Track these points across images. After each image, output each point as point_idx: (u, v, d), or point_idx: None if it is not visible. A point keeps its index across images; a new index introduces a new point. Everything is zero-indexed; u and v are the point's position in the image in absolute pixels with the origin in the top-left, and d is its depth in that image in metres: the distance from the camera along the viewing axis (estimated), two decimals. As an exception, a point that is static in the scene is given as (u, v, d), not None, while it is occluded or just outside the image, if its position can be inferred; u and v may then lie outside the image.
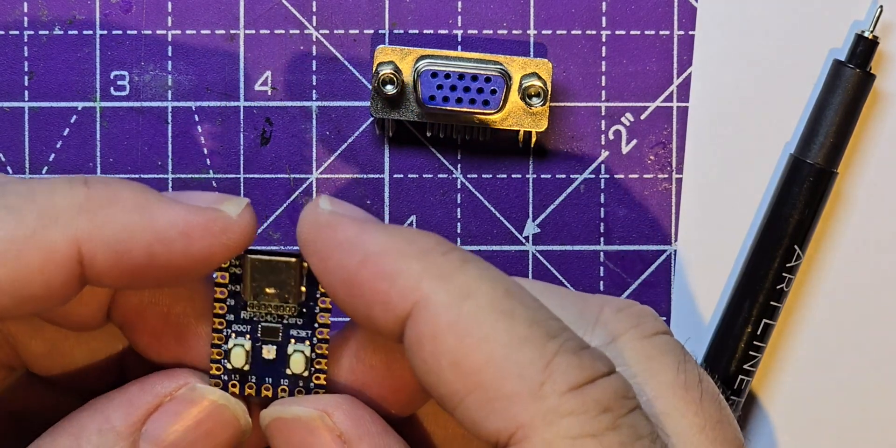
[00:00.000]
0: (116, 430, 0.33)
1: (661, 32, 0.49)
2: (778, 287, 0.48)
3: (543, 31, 0.49)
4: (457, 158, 0.49)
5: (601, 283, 0.49)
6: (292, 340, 0.33)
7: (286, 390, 0.34)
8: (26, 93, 0.49)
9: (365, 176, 0.49)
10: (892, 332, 0.49)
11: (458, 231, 0.49)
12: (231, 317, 0.33)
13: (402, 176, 0.49)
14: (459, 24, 0.49)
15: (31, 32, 0.48)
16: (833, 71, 0.48)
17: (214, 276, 0.33)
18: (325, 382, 0.33)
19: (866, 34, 0.48)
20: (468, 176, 0.49)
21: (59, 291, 0.31)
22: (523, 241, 0.49)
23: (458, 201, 0.49)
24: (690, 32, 0.49)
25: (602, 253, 0.49)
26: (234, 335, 0.33)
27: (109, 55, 0.49)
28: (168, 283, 0.33)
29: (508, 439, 0.30)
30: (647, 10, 0.49)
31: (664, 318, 0.49)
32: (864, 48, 0.48)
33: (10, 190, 0.31)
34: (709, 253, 0.49)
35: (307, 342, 0.33)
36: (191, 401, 0.33)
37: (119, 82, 0.49)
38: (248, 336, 0.33)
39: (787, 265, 0.48)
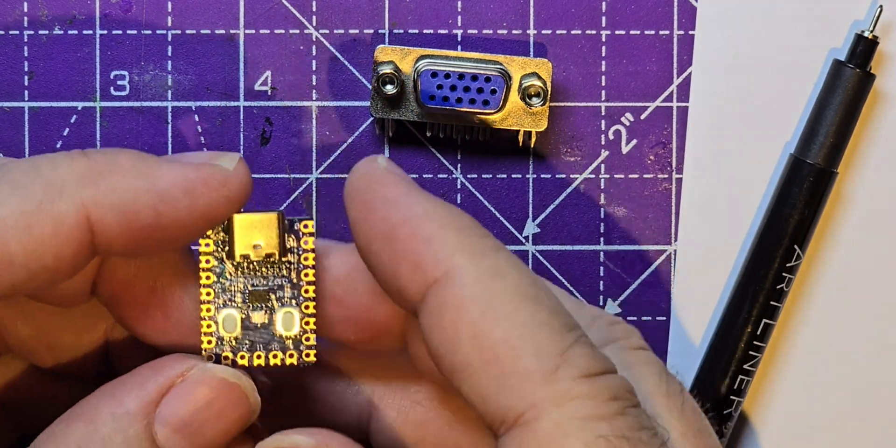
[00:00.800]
0: (130, 413, 0.33)
1: (661, 32, 0.49)
2: (778, 287, 0.48)
3: (543, 31, 0.49)
4: (457, 158, 0.49)
5: (601, 283, 0.49)
6: (280, 302, 0.34)
7: (277, 355, 0.34)
8: (26, 93, 0.49)
9: (365, 176, 0.49)
10: (893, 332, 0.49)
11: (458, 231, 0.49)
12: (219, 285, 0.34)
13: (402, 176, 0.49)
14: (459, 24, 0.49)
15: (31, 32, 0.48)
16: (833, 71, 0.48)
17: (198, 244, 0.34)
18: (315, 342, 0.34)
19: (866, 34, 0.48)
20: (468, 176, 0.49)
21: (70, 261, 0.32)
22: (523, 241, 0.49)
23: (458, 201, 0.49)
24: (690, 32, 0.49)
25: (602, 253, 0.49)
26: (223, 303, 0.34)
27: (109, 55, 0.49)
28: (176, 244, 0.34)
29: (516, 419, 0.30)
30: (647, 10, 0.49)
31: (664, 318, 0.49)
32: (864, 48, 0.48)
33: (13, 167, 0.32)
34: (709, 253, 0.49)
35: (294, 302, 0.34)
36: (201, 381, 0.34)
37: (119, 82, 0.49)
38: (236, 303, 0.34)
39: (787, 265, 0.48)
